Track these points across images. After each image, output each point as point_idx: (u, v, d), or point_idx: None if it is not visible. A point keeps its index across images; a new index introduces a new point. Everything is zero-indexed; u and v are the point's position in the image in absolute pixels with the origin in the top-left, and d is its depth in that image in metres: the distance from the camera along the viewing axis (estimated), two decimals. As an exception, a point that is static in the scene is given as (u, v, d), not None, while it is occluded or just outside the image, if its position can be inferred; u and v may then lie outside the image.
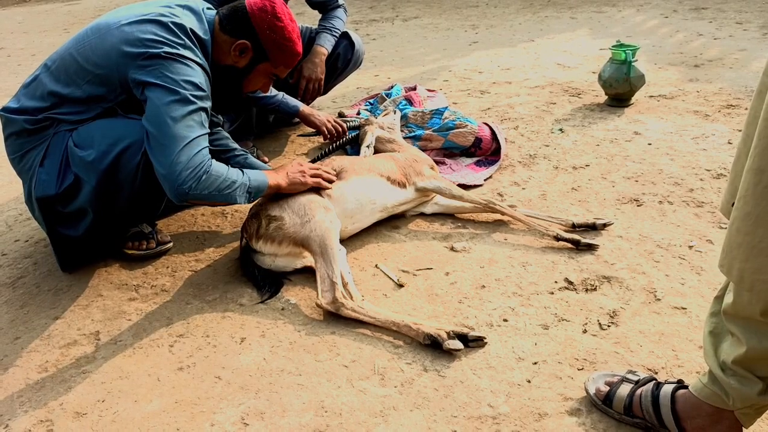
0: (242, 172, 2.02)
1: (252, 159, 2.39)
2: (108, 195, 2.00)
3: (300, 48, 2.14)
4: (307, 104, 3.03)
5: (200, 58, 1.98)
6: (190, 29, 1.98)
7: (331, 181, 2.24)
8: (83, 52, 1.99)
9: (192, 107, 1.89)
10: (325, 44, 3.13)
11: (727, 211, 1.19)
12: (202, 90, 1.94)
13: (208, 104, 1.97)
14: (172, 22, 1.95)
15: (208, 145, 1.94)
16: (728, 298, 1.20)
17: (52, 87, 2.01)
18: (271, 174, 2.12)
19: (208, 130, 1.97)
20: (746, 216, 1.08)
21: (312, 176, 2.19)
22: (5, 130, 2.09)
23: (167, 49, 1.90)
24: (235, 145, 2.42)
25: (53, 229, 2.11)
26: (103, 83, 1.97)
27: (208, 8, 2.13)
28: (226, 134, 2.45)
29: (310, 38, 3.17)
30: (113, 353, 1.83)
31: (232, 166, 2.03)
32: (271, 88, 2.87)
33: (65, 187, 1.99)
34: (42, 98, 2.02)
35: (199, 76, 1.94)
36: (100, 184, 1.96)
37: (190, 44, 1.96)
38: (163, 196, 2.14)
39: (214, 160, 1.94)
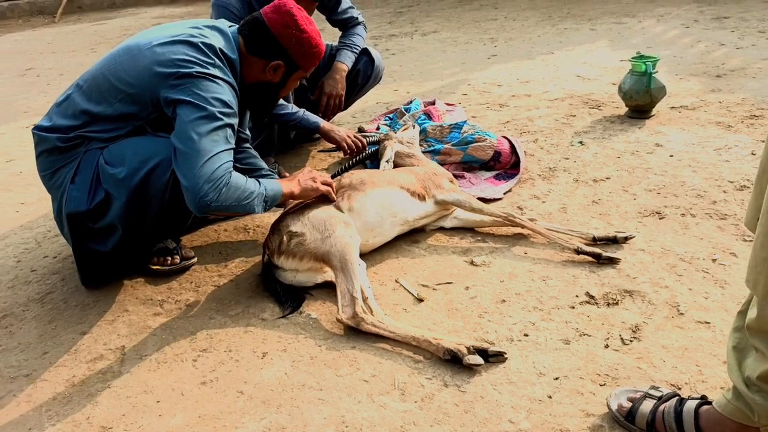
0: (258, 182, 2.07)
1: (272, 178, 2.43)
2: (137, 211, 2.05)
3: (323, 45, 2.22)
4: (328, 120, 3.07)
5: (229, 77, 2.04)
6: (219, 49, 2.04)
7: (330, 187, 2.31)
8: (115, 72, 2.05)
9: (218, 123, 1.95)
10: (346, 61, 3.18)
11: (752, 226, 1.19)
12: (230, 107, 2.00)
13: (234, 121, 2.02)
14: (202, 43, 2.01)
15: (231, 159, 1.99)
16: (752, 313, 1.19)
17: (84, 106, 2.07)
18: (284, 182, 2.19)
19: (233, 146, 2.02)
20: None
21: (322, 183, 2.26)
22: (37, 148, 2.15)
23: (198, 68, 1.96)
24: (262, 164, 2.50)
25: (81, 245, 2.16)
26: (135, 102, 2.03)
27: (231, 26, 2.19)
28: (255, 152, 2.52)
29: (331, 55, 3.22)
30: (138, 368, 1.87)
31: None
32: (292, 104, 2.92)
33: (96, 203, 2.04)
34: (74, 117, 2.08)
35: (227, 94, 2.00)
36: (130, 200, 2.02)
37: (220, 63, 2.02)
38: (190, 212, 2.18)
39: (234, 173, 1.99)
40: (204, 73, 1.96)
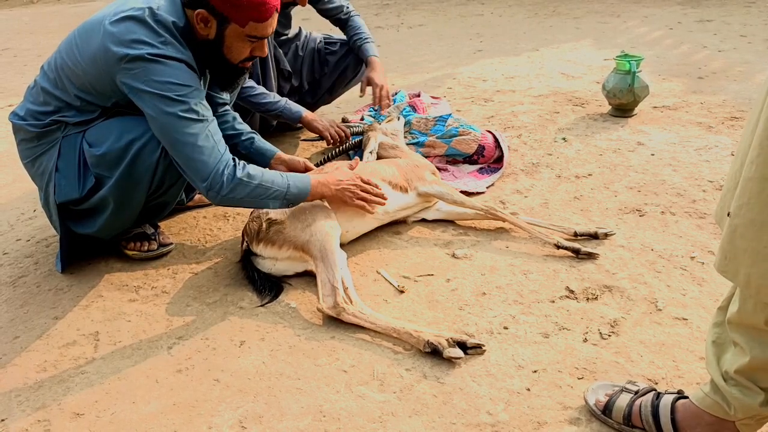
0: (283, 176, 2.01)
1: (259, 142, 2.38)
2: (127, 191, 2.02)
3: None
4: (383, 111, 3.07)
5: (183, 52, 1.92)
6: (173, 22, 1.93)
7: (379, 203, 2.22)
8: (72, 55, 1.97)
9: (183, 107, 1.87)
10: (376, 53, 3.22)
11: (721, 217, 1.20)
12: (188, 85, 1.90)
13: (197, 96, 1.92)
14: (153, 18, 1.90)
15: (220, 133, 1.96)
16: (733, 307, 1.20)
17: (51, 91, 2.02)
18: (316, 181, 2.09)
19: (211, 118, 1.95)
20: (751, 222, 1.09)
21: (360, 198, 2.17)
22: (16, 136, 2.12)
23: (149, 50, 1.85)
24: (242, 127, 2.39)
25: (68, 229, 2.12)
26: (94, 87, 1.96)
27: None
28: (233, 114, 2.41)
29: (326, 51, 3.27)
30: (112, 354, 1.83)
31: (241, 151, 2.11)
32: (274, 93, 2.88)
33: (88, 189, 2.02)
34: (45, 103, 2.03)
35: (182, 74, 1.90)
36: (120, 180, 1.99)
37: (171, 39, 1.91)
38: (178, 192, 2.20)
39: (249, 165, 1.96)
40: (156, 55, 1.86)
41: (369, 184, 2.21)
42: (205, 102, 1.95)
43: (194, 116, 1.89)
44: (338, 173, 2.19)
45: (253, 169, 1.97)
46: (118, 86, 1.91)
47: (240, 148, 2.36)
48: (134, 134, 1.96)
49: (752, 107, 1.15)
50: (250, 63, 2.13)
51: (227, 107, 2.40)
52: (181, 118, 1.87)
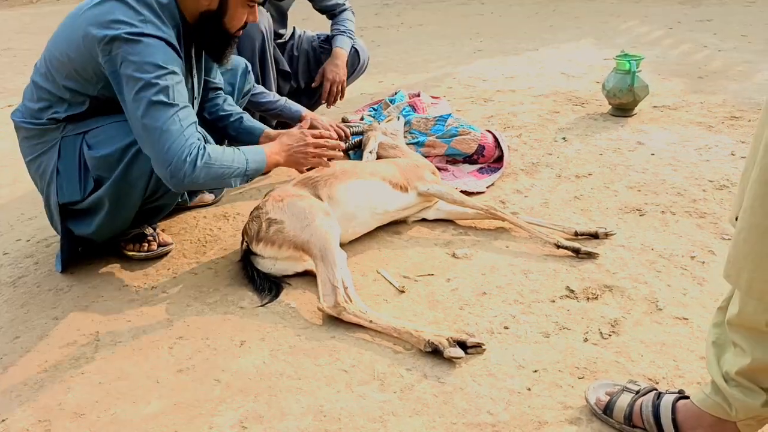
0: (240, 152, 2.00)
1: (248, 121, 2.40)
2: (123, 191, 2.02)
3: None
4: (329, 107, 3.07)
5: (164, 30, 1.91)
6: (156, 0, 1.92)
7: (334, 156, 2.25)
8: (59, 45, 1.98)
9: (154, 91, 1.85)
10: (344, 46, 3.17)
11: (734, 222, 1.19)
12: (167, 67, 1.88)
13: (176, 79, 1.90)
14: None
15: (194, 122, 1.93)
16: (733, 308, 1.20)
17: (42, 84, 2.03)
18: (269, 151, 2.10)
19: (186, 104, 1.93)
20: (754, 227, 1.09)
21: (314, 156, 2.18)
22: (18, 135, 2.13)
23: (126, 29, 1.84)
24: (231, 108, 2.40)
25: (68, 230, 2.13)
26: (79, 73, 1.95)
27: None
28: (225, 96, 2.43)
29: (321, 50, 3.24)
30: (112, 354, 1.83)
31: (231, 132, 2.13)
32: (273, 93, 2.88)
33: (89, 191, 2.03)
34: (39, 99, 2.04)
35: (161, 53, 1.88)
36: (115, 183, 1.99)
37: (152, 17, 1.90)
38: (173, 200, 2.21)
39: (209, 146, 1.94)
40: (133, 33, 1.84)
41: (320, 137, 2.21)
42: (181, 87, 1.92)
43: (165, 100, 1.86)
44: (286, 138, 2.19)
45: (214, 151, 1.95)
46: (101, 70, 1.91)
47: (230, 130, 2.40)
48: (132, 139, 1.96)
49: (764, 108, 1.14)
50: (241, 32, 2.16)
51: (219, 91, 2.42)
52: (152, 103, 1.85)
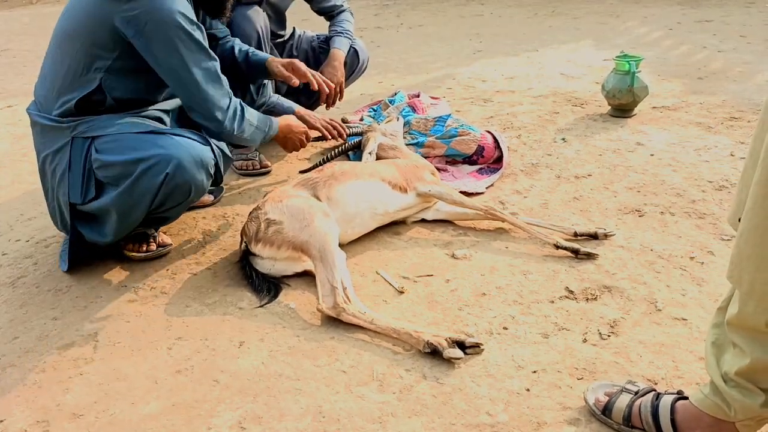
0: (268, 119, 2.32)
1: (252, 55, 2.57)
2: (128, 204, 2.02)
3: None
4: (328, 108, 3.06)
5: None
6: None
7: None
8: (69, 19, 2.02)
9: (194, 44, 1.98)
10: (341, 47, 3.17)
11: (734, 223, 1.19)
12: (192, 19, 1.98)
13: (202, 32, 2.03)
14: None
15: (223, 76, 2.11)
16: (733, 309, 1.20)
17: (54, 71, 2.04)
18: (281, 126, 2.41)
19: (215, 57, 2.08)
20: (755, 228, 1.09)
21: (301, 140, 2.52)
22: (32, 129, 2.16)
23: None
24: (239, 45, 2.58)
25: (77, 231, 2.13)
26: (95, 45, 1.97)
27: None
28: (230, 39, 2.58)
29: (320, 50, 3.23)
30: (111, 355, 1.83)
31: (239, 61, 2.44)
32: (269, 91, 2.87)
33: (89, 198, 2.03)
34: (52, 89, 2.05)
35: (184, 4, 1.96)
36: (123, 193, 1.99)
37: None
38: (176, 215, 2.23)
39: (246, 107, 2.18)
40: None
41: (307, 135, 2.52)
42: (205, 38, 2.05)
43: (205, 54, 2.01)
44: (295, 119, 2.57)
45: (249, 111, 2.21)
46: (117, 32, 1.93)
47: (239, 60, 2.57)
48: (143, 154, 1.96)
49: (763, 109, 1.14)
50: None
51: (228, 36, 2.57)
52: (194, 51, 1.97)
